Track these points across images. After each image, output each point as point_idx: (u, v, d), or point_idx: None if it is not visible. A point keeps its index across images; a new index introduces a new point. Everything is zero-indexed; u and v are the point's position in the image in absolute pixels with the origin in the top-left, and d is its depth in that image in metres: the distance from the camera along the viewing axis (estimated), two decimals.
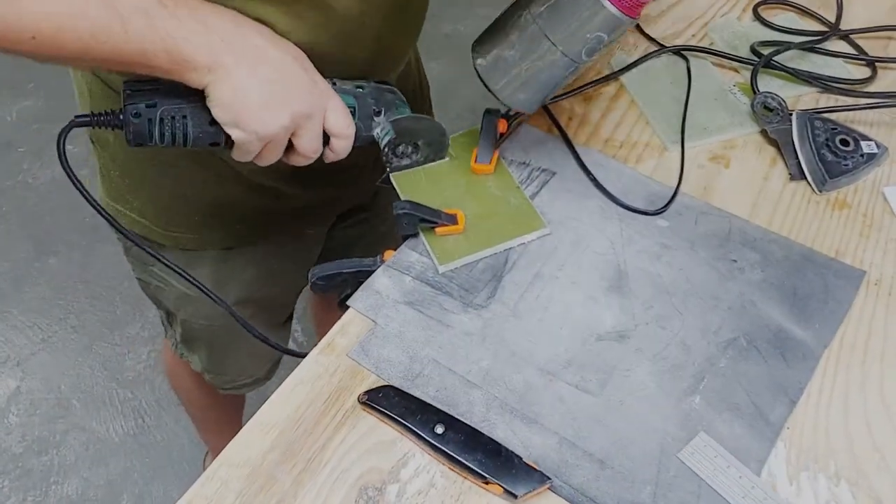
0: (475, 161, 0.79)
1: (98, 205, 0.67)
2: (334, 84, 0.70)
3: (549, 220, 0.77)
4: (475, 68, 0.73)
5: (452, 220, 0.75)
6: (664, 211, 0.78)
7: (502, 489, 0.58)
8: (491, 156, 0.79)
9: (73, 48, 0.57)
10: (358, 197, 1.01)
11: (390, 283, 0.72)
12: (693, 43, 0.98)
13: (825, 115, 0.87)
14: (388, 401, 0.63)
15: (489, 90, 0.74)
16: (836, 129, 0.84)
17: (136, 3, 0.56)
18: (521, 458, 0.59)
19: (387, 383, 0.65)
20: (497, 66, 0.72)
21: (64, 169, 0.65)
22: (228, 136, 0.66)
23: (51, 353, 1.87)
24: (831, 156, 0.82)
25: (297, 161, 0.70)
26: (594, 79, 0.93)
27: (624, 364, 0.67)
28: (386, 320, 0.69)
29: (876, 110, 0.89)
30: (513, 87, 0.73)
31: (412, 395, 0.64)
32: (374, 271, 0.73)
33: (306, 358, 0.68)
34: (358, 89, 0.72)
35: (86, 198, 0.67)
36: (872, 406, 0.64)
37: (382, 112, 0.74)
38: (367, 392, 0.64)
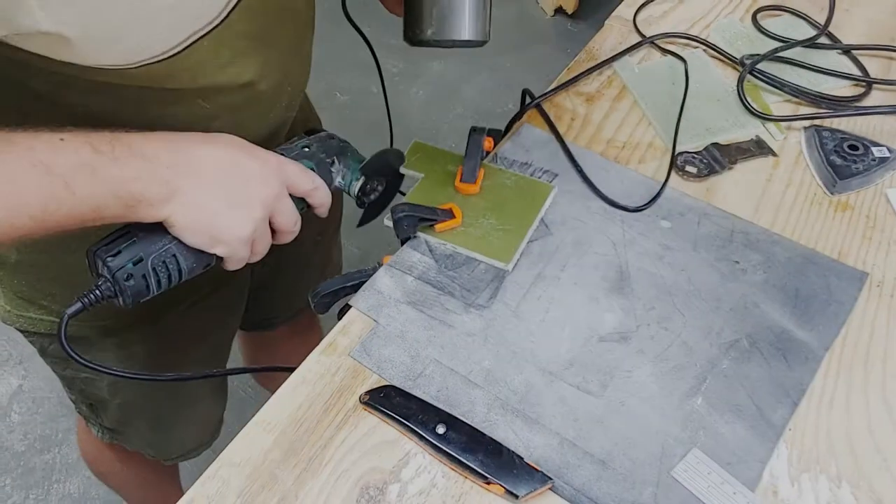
0: (460, 180, 0.78)
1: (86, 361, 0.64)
2: (284, 152, 0.70)
3: (551, 221, 0.77)
4: (428, 42, 0.71)
5: (449, 214, 0.75)
6: (646, 208, 0.78)
7: (504, 489, 0.58)
8: (476, 175, 0.78)
9: (27, 227, 0.53)
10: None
11: (392, 282, 0.72)
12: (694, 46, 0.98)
13: (817, 120, 0.87)
14: (390, 401, 0.63)
15: (456, 46, 0.72)
16: (844, 136, 0.84)
17: (73, 160, 0.54)
18: (522, 459, 0.59)
19: (388, 383, 0.65)
20: (446, 19, 0.70)
21: (71, 356, 0.62)
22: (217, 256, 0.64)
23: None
24: (840, 160, 0.82)
25: (285, 239, 0.68)
26: (588, 67, 0.93)
27: (625, 365, 0.67)
28: (388, 320, 0.69)
29: (882, 119, 0.89)
30: (471, 21, 0.72)
31: (413, 395, 0.64)
32: None
33: (308, 358, 0.68)
34: (305, 149, 0.72)
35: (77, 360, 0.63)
36: (874, 407, 0.64)
37: (336, 160, 0.74)
38: (368, 392, 0.64)
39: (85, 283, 0.65)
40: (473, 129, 0.81)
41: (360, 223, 0.84)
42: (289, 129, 0.84)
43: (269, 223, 0.65)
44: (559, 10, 2.62)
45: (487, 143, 0.81)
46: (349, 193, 0.76)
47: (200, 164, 0.60)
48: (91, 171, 0.54)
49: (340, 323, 0.70)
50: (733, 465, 0.60)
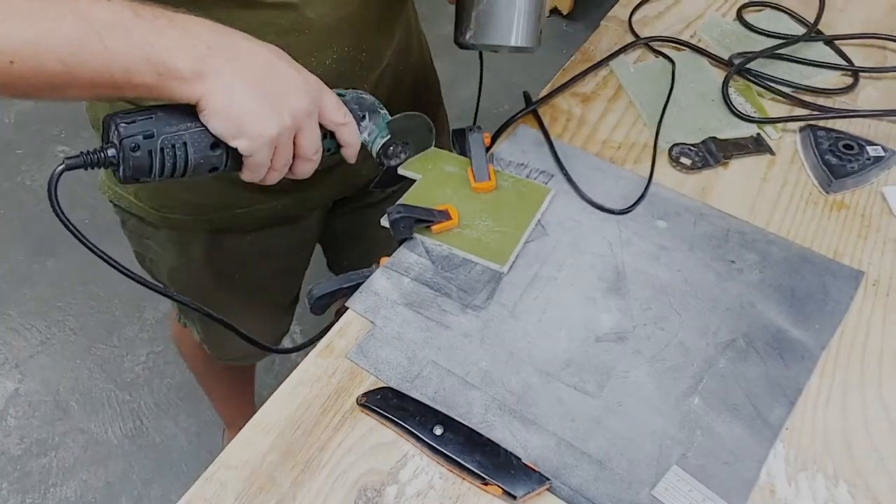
0: (475, 181, 0.78)
1: (96, 248, 0.63)
2: None
3: (548, 222, 0.77)
4: (469, 46, 0.72)
5: (445, 215, 0.75)
6: (630, 210, 0.79)
7: (501, 490, 0.58)
8: (487, 172, 0.79)
9: (54, 70, 0.54)
10: (348, 189, 1.00)
11: (389, 284, 0.72)
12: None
13: (812, 121, 0.87)
14: (387, 402, 0.63)
15: (496, 50, 0.72)
16: (839, 136, 0.85)
17: (111, 17, 0.54)
18: (519, 459, 0.59)
19: (385, 385, 0.65)
20: (486, 23, 0.70)
21: (56, 214, 0.60)
22: (227, 160, 0.63)
23: (49, 354, 1.86)
24: (835, 160, 0.82)
25: (304, 168, 0.67)
26: (584, 68, 0.93)
27: (622, 365, 0.67)
28: (384, 321, 0.69)
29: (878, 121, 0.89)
30: (514, 28, 0.70)
31: (411, 397, 0.64)
32: None
33: (305, 360, 0.68)
34: (340, 95, 0.71)
35: (84, 243, 0.63)
36: (871, 406, 0.64)
37: (367, 117, 0.73)
38: (365, 394, 0.64)
39: (157, 192, 0.73)
40: (468, 130, 0.81)
41: (374, 185, 0.81)
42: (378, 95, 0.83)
43: (294, 141, 0.64)
44: (554, 11, 2.62)
45: (486, 139, 0.81)
46: (371, 151, 0.75)
47: (241, 54, 0.59)
48: (126, 31, 0.54)
49: (337, 325, 0.70)
50: (730, 464, 0.61)
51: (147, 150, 0.59)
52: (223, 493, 0.60)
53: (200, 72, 0.57)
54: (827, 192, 0.81)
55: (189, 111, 0.60)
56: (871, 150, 0.83)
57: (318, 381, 0.66)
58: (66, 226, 0.60)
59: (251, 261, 0.99)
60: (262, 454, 0.62)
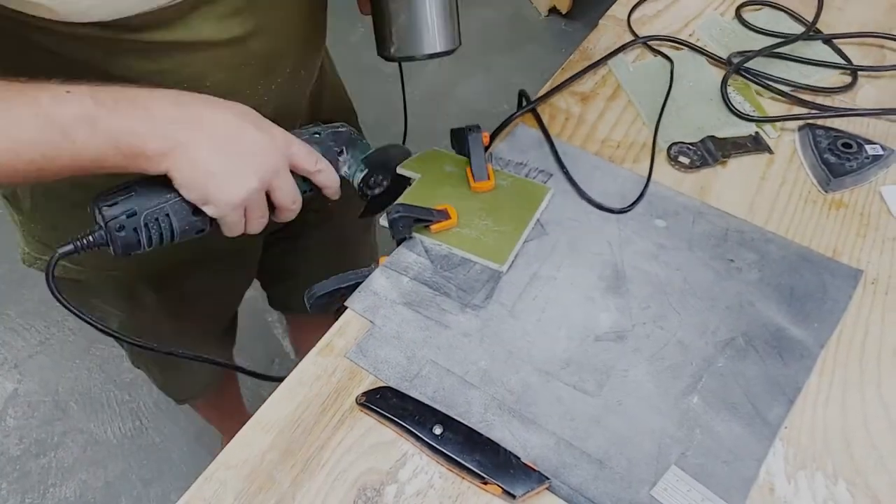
0: (474, 181, 0.78)
1: (75, 308, 0.64)
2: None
3: (547, 221, 0.77)
4: (392, 58, 0.72)
5: (445, 215, 0.75)
6: (630, 209, 0.79)
7: (501, 489, 0.58)
8: (486, 171, 0.79)
9: (27, 172, 0.55)
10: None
11: (388, 283, 0.72)
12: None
13: (811, 120, 0.87)
14: (386, 402, 0.63)
15: (420, 59, 0.73)
16: (838, 134, 0.85)
17: (74, 112, 0.55)
18: (519, 459, 0.59)
19: (385, 384, 0.65)
20: (406, 35, 0.70)
21: (57, 299, 0.63)
22: (212, 221, 0.64)
23: (48, 355, 1.86)
24: (834, 158, 0.82)
25: (284, 216, 0.68)
26: (583, 67, 0.93)
27: (622, 364, 0.67)
28: (384, 321, 0.69)
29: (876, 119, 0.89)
30: (435, 35, 0.71)
31: (410, 396, 0.64)
32: None
33: (305, 359, 0.68)
34: (315, 135, 0.72)
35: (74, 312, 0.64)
36: (870, 405, 0.65)
37: (345, 150, 0.74)
38: (365, 393, 0.64)
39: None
40: (466, 130, 0.81)
41: (361, 215, 0.83)
42: (311, 109, 0.84)
43: (268, 197, 0.65)
44: (553, 10, 2.62)
45: (485, 138, 0.81)
46: (353, 184, 0.76)
47: (203, 123, 0.60)
48: (91, 123, 0.55)
49: (336, 324, 0.70)
50: (729, 463, 0.61)
51: (132, 228, 0.62)
52: (223, 492, 0.60)
53: (166, 148, 0.58)
54: (826, 191, 0.81)
55: (167, 182, 0.61)
56: (870, 149, 0.83)
57: (318, 380, 0.66)
58: (67, 308, 0.63)
59: (195, 298, 0.99)
60: (262, 453, 0.62)
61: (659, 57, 0.97)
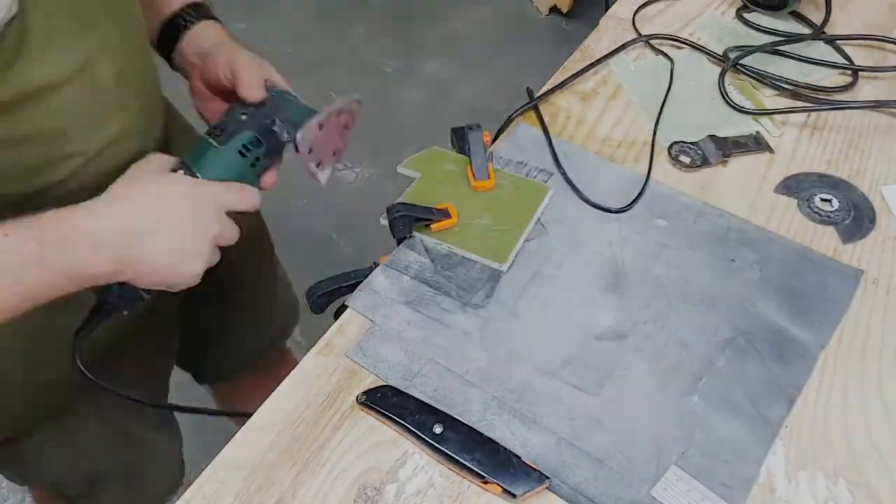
0: (474, 180, 0.79)
1: None
2: (218, 135, 0.67)
3: (547, 220, 0.77)
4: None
5: (445, 214, 0.75)
6: (628, 209, 0.78)
7: (501, 489, 0.58)
8: (487, 171, 0.79)
9: None
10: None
11: (388, 282, 0.72)
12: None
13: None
14: (387, 401, 0.63)
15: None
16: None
17: (20, 258, 0.55)
18: (519, 458, 0.59)
19: (385, 383, 0.65)
20: None
21: (85, 376, 0.67)
22: None
23: None
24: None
25: (231, 243, 0.68)
26: (585, 65, 0.93)
27: (622, 363, 0.67)
28: (384, 320, 0.69)
29: (877, 116, 0.89)
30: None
31: (410, 395, 0.64)
32: None
33: (305, 358, 0.68)
34: (243, 116, 0.69)
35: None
36: (871, 404, 0.64)
37: (276, 120, 0.70)
38: (365, 392, 0.64)
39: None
40: (467, 128, 0.81)
41: None
42: (167, 140, 0.80)
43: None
44: (554, 9, 2.62)
45: (485, 138, 0.81)
46: (297, 148, 0.72)
47: (146, 225, 0.60)
48: (39, 263, 0.56)
49: (337, 323, 0.70)
50: (730, 462, 0.61)
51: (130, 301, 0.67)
52: (223, 491, 0.60)
53: (118, 268, 0.60)
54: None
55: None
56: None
57: (318, 379, 0.66)
58: (96, 384, 0.67)
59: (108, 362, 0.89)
60: (262, 453, 0.62)
61: (660, 56, 0.96)
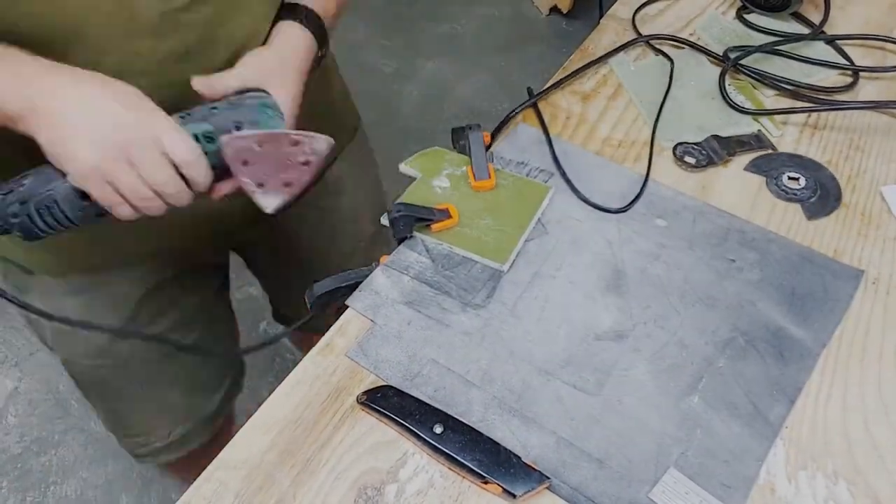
0: (475, 180, 0.79)
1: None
2: (183, 117, 0.66)
3: (548, 221, 0.77)
4: None
5: (446, 214, 0.75)
6: (627, 209, 0.79)
7: (501, 489, 0.58)
8: (487, 170, 0.79)
9: None
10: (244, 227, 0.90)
11: (389, 282, 0.72)
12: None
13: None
14: (387, 401, 0.63)
15: None
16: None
17: None
18: (519, 458, 0.59)
19: (386, 383, 0.65)
20: None
21: None
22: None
23: (49, 353, 1.86)
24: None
25: (177, 200, 0.66)
26: (578, 67, 0.93)
27: (622, 364, 0.67)
28: (385, 320, 0.69)
29: (878, 115, 0.89)
30: None
31: (411, 396, 0.64)
32: None
33: (305, 358, 0.68)
34: (213, 110, 0.67)
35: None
36: (871, 405, 0.64)
37: (244, 125, 0.67)
38: (366, 392, 0.64)
39: None
40: (467, 128, 0.81)
41: None
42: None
43: (140, 174, 0.63)
44: (554, 9, 2.62)
45: (486, 137, 0.81)
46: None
47: (66, 92, 0.61)
48: None
49: (337, 323, 0.70)
50: (730, 463, 0.61)
51: (26, 215, 0.64)
52: (223, 491, 0.60)
53: (25, 110, 0.60)
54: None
55: (58, 170, 0.63)
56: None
57: (318, 379, 0.66)
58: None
59: (148, 314, 0.90)
60: (262, 453, 0.62)
61: (660, 56, 0.97)
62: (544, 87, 0.92)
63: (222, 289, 1.02)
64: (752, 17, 1.01)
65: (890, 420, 0.63)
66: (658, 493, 0.59)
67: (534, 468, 0.59)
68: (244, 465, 0.61)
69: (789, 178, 0.81)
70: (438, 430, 0.61)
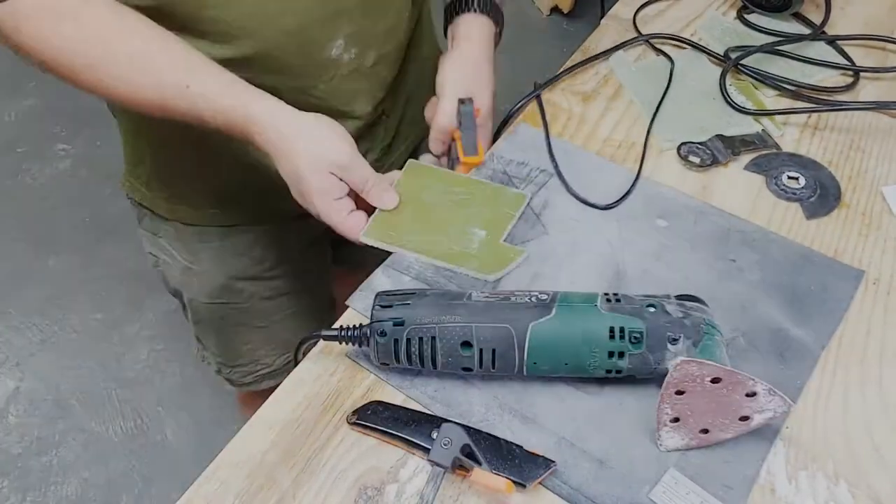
0: (463, 155, 0.79)
1: None
2: (610, 300, 0.61)
3: (548, 221, 0.77)
4: None
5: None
6: (616, 205, 0.79)
7: (511, 482, 0.57)
8: (476, 146, 0.80)
9: (151, 99, 0.68)
10: None
11: (389, 282, 0.72)
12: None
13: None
14: (378, 416, 0.62)
15: None
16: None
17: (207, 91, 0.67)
18: (521, 447, 0.59)
19: (372, 399, 0.64)
20: None
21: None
22: (481, 361, 0.61)
23: (50, 353, 1.87)
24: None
25: (378, 202, 0.74)
26: (579, 61, 0.93)
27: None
28: None
29: (878, 116, 0.89)
30: None
31: (400, 406, 0.63)
32: None
33: (305, 358, 0.68)
34: (648, 308, 0.60)
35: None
36: (871, 405, 0.64)
37: (679, 340, 0.60)
38: (355, 412, 0.63)
39: (167, 182, 0.90)
40: (461, 101, 0.80)
41: None
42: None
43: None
44: (555, 10, 2.62)
45: (477, 112, 0.80)
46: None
47: (280, 148, 0.69)
48: (205, 101, 0.68)
49: (337, 323, 0.70)
50: (730, 462, 0.61)
51: (393, 339, 0.61)
52: (223, 491, 0.60)
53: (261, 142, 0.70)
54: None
55: (448, 305, 0.60)
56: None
57: (319, 379, 0.66)
58: None
59: (265, 261, 0.99)
60: (263, 452, 0.62)
61: (661, 56, 0.97)
62: (544, 83, 0.92)
63: (323, 240, 1.08)
64: (753, 18, 1.01)
65: (890, 420, 0.63)
66: (658, 494, 0.59)
67: (537, 454, 0.59)
68: (245, 465, 0.61)
69: (789, 177, 0.81)
70: (435, 434, 0.60)
